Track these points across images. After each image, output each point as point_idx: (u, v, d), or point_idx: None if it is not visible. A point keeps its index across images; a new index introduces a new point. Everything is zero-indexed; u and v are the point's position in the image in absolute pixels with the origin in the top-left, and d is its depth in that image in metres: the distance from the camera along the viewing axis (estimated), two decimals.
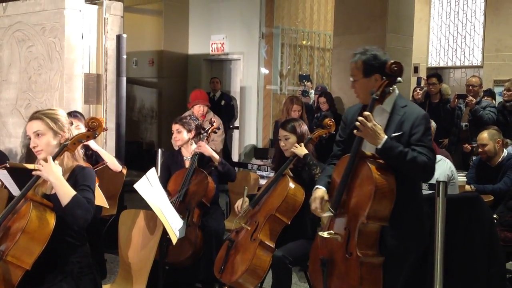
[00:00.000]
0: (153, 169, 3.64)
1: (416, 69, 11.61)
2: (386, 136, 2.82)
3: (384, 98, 2.91)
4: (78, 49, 5.84)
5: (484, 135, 5.11)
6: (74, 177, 2.75)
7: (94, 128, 2.86)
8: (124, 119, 6.05)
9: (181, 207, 4.15)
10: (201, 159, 4.43)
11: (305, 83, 8.56)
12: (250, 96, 9.51)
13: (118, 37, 5.97)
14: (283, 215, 3.65)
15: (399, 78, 2.91)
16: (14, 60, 6.27)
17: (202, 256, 4.17)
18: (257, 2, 9.30)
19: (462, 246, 3.35)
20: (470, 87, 6.89)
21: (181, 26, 10.30)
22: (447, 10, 12.37)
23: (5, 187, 3.57)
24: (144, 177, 3.50)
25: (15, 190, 3.26)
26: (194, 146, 4.55)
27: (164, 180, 4.40)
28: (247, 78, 9.53)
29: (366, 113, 2.82)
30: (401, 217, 2.85)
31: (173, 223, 3.49)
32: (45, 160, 2.69)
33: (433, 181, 3.22)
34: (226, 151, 8.47)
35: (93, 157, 4.77)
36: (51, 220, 2.63)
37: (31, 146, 2.81)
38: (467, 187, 5.03)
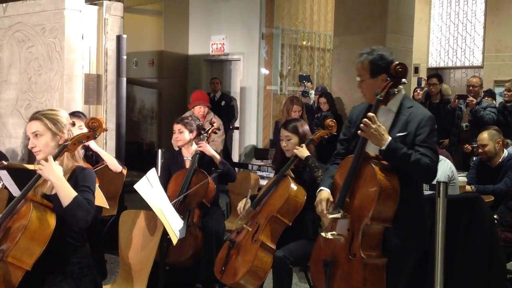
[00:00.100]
0: (153, 169, 3.63)
1: (416, 70, 11.62)
2: (390, 138, 2.82)
3: (389, 99, 2.90)
4: (78, 49, 5.83)
5: (485, 136, 5.11)
6: (75, 178, 2.74)
7: (94, 129, 2.85)
8: (124, 120, 6.05)
9: (182, 208, 4.15)
10: (201, 160, 4.43)
11: (305, 83, 8.56)
12: (250, 96, 9.51)
13: (118, 38, 5.96)
14: (284, 217, 3.64)
15: (403, 79, 2.90)
16: (14, 61, 6.26)
17: (202, 256, 4.17)
18: (257, 3, 9.30)
19: (462, 246, 3.34)
20: (471, 88, 6.89)
21: (181, 26, 10.30)
22: (448, 10, 12.36)
23: (6, 187, 3.57)
24: (144, 177, 3.49)
25: (15, 191, 3.26)
26: (194, 146, 4.55)
27: (165, 181, 4.39)
28: (247, 78, 9.52)
29: (370, 114, 2.82)
30: (403, 217, 2.85)
31: (174, 224, 3.49)
32: (46, 160, 2.68)
33: (433, 181, 3.22)
34: (226, 152, 8.46)
35: (93, 158, 4.78)
36: (52, 220, 2.63)
37: (29, 146, 2.80)
38: (468, 187, 5.03)
